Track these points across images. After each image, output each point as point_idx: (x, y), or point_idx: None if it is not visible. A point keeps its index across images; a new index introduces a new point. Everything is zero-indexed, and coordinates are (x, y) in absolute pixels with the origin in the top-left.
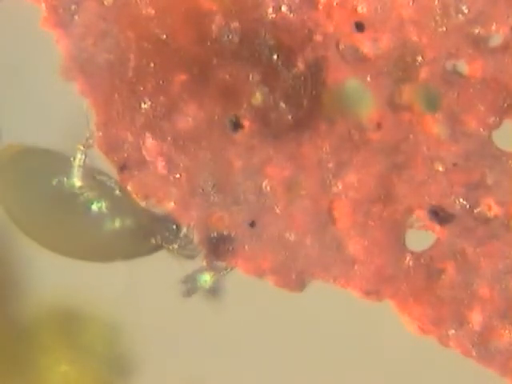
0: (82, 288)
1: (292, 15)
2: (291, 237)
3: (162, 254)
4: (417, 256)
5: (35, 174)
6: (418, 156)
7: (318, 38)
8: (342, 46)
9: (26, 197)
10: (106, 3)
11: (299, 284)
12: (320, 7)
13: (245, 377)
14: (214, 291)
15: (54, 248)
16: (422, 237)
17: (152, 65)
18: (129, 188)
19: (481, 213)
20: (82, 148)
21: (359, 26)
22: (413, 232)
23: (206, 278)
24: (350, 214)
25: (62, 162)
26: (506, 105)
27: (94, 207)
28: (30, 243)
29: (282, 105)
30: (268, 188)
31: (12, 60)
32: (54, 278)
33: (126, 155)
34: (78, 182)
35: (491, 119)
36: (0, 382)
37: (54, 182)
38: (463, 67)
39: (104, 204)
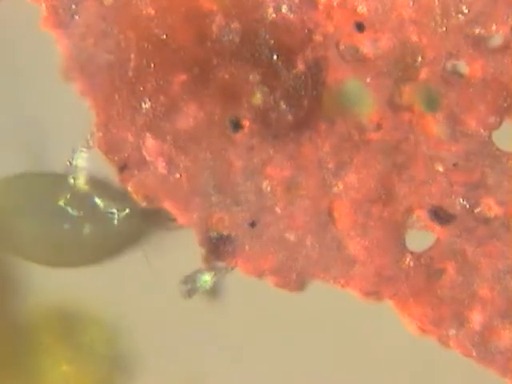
0: (81, 288)
1: (292, 15)
2: (291, 237)
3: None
4: (417, 256)
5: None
6: (418, 156)
7: (318, 38)
8: (341, 46)
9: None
10: (105, 3)
11: (299, 284)
12: (320, 7)
13: (245, 377)
14: (214, 291)
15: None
16: (422, 237)
17: (152, 65)
18: (129, 188)
19: (481, 213)
20: (84, 149)
21: (359, 26)
22: (413, 232)
23: (206, 279)
24: (350, 215)
25: (54, 182)
26: (505, 105)
27: (96, 203)
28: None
29: (282, 105)
30: (268, 188)
31: (12, 60)
32: (54, 278)
33: (126, 155)
34: (83, 184)
35: (491, 119)
36: (0, 382)
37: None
38: (463, 67)
39: (103, 200)
